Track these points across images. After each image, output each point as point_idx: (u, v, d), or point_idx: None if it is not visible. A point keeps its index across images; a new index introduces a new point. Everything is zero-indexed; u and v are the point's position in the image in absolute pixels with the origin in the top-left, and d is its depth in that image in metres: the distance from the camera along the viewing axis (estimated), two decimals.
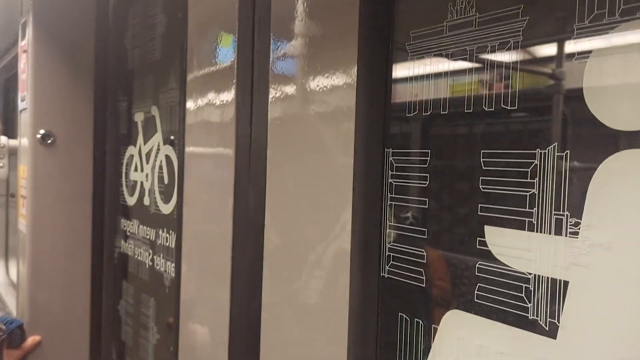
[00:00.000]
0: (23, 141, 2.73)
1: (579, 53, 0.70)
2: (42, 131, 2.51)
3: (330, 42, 1.08)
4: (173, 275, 1.91)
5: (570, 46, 0.71)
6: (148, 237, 2.21)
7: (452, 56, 0.88)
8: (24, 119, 2.69)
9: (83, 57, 2.59)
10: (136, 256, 2.34)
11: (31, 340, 2.54)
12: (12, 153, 2.99)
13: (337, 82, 1.04)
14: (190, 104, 1.63)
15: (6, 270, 4.22)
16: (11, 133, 3.08)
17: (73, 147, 2.57)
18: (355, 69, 1.00)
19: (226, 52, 1.45)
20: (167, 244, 2.02)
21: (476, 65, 0.85)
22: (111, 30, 2.57)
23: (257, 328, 1.27)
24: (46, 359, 2.57)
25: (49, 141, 2.50)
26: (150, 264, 2.19)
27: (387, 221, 0.99)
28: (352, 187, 1.00)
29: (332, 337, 1.04)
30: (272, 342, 1.24)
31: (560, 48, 0.75)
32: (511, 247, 0.77)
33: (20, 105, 2.77)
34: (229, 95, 1.42)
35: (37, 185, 2.55)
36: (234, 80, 1.40)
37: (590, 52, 0.69)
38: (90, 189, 2.63)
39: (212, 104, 1.50)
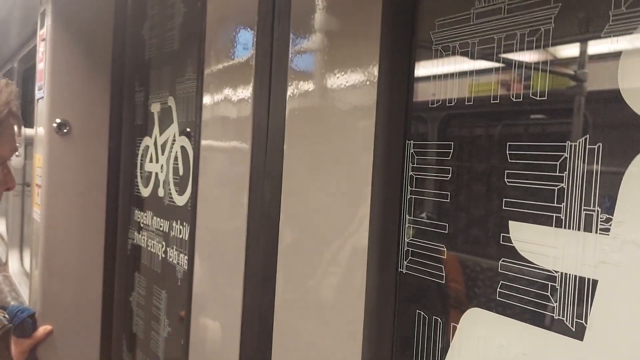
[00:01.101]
0: (39, 130, 2.73)
1: (614, 43, 0.67)
2: (58, 120, 2.51)
3: (351, 37, 1.06)
4: (186, 268, 1.89)
5: (605, 34, 0.68)
6: (161, 228, 2.20)
7: (478, 45, 0.85)
8: (41, 108, 2.69)
9: (101, 47, 2.59)
10: (149, 248, 2.33)
11: (42, 329, 2.54)
12: (29, 142, 3.00)
13: (358, 78, 1.02)
14: (207, 96, 1.61)
15: (21, 260, 4.25)
16: (28, 122, 3.09)
17: (88, 137, 2.57)
18: (376, 65, 0.97)
19: (245, 43, 1.43)
20: (181, 236, 2.01)
21: (504, 54, 0.82)
22: (129, 20, 2.57)
23: (269, 323, 1.25)
24: (57, 348, 2.57)
25: (65, 130, 2.50)
26: (163, 256, 2.18)
27: (407, 215, 0.97)
28: (370, 180, 0.98)
29: (347, 334, 1.01)
30: (284, 338, 1.22)
31: (594, 35, 0.71)
32: (537, 244, 0.74)
33: (37, 94, 2.77)
34: (246, 88, 1.40)
35: (51, 175, 2.56)
36: (252, 73, 1.38)
37: (625, 40, 0.66)
38: (105, 179, 2.63)
39: (229, 96, 1.49)
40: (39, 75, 2.76)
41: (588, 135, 0.70)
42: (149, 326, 2.34)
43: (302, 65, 1.20)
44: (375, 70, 0.98)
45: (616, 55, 0.67)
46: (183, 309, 1.81)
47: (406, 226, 0.97)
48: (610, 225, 0.66)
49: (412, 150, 0.97)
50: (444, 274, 0.90)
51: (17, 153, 1.54)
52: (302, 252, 1.17)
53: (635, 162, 0.64)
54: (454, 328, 0.87)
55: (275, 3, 1.32)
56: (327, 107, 1.10)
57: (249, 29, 1.41)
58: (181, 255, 2.00)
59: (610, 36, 0.67)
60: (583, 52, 0.74)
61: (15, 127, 1.45)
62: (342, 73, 1.06)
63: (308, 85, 1.17)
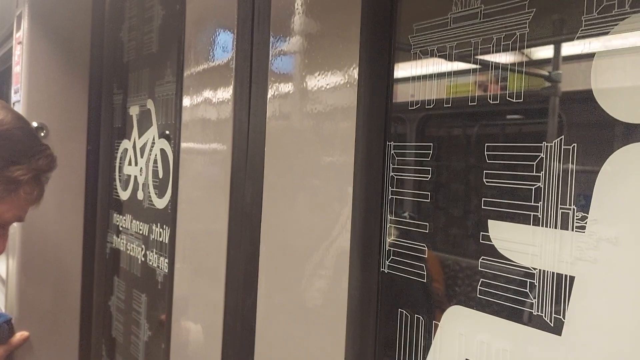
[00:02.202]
0: None
1: (587, 45, 0.69)
2: (35, 124, 2.47)
3: (331, 38, 1.07)
4: (166, 271, 1.88)
5: (578, 38, 0.70)
6: (141, 232, 2.18)
7: (456, 49, 0.87)
8: None
9: (78, 50, 2.57)
10: (128, 252, 2.32)
11: (19, 335, 2.50)
12: None
13: (338, 79, 1.03)
14: (186, 98, 1.61)
15: None
16: None
17: (66, 140, 2.54)
18: (356, 67, 0.99)
19: (224, 46, 1.44)
20: (161, 239, 2.00)
21: (481, 57, 0.84)
22: (107, 23, 2.55)
23: (252, 326, 1.25)
24: (34, 355, 2.54)
25: (42, 134, 2.47)
26: (143, 259, 2.16)
27: (388, 215, 0.98)
28: (352, 181, 0.99)
29: (330, 334, 1.02)
30: (267, 340, 1.22)
31: (567, 40, 0.74)
32: (515, 242, 0.76)
33: (14, 97, 2.73)
34: (226, 90, 1.40)
35: None
36: (232, 75, 1.38)
37: (598, 44, 0.68)
38: (83, 182, 2.60)
39: (209, 99, 1.49)
40: (15, 78, 2.73)
41: (563, 136, 0.72)
42: (128, 331, 2.32)
43: (283, 67, 1.21)
44: (355, 73, 0.99)
45: (589, 57, 0.69)
46: (164, 313, 1.80)
47: (388, 226, 0.98)
48: (585, 223, 0.68)
49: (392, 152, 0.98)
50: (425, 273, 0.92)
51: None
52: (284, 253, 1.18)
53: (609, 161, 0.66)
54: (436, 326, 0.89)
55: (255, 5, 1.33)
56: (307, 109, 1.11)
57: (228, 32, 1.41)
58: (161, 258, 1.99)
59: (583, 40, 0.69)
60: (557, 55, 0.76)
61: (35, 194, 1.34)
62: (323, 75, 1.07)
63: (288, 88, 1.18)
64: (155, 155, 2.05)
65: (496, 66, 0.82)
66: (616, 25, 0.66)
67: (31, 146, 1.33)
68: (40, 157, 1.32)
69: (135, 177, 2.24)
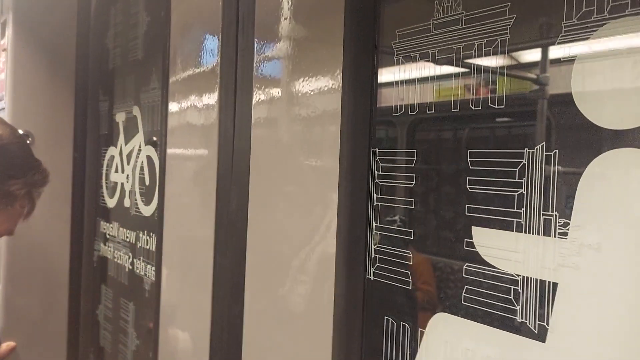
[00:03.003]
0: None
1: (567, 51, 0.69)
2: (20, 131, 2.45)
3: (315, 44, 1.07)
4: (153, 279, 1.87)
5: (559, 44, 0.70)
6: (128, 239, 2.17)
7: (438, 54, 0.87)
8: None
9: (64, 56, 2.55)
10: (116, 259, 2.30)
11: (5, 346, 2.46)
12: None
13: (323, 84, 1.03)
14: (172, 105, 1.60)
15: None
16: None
17: (52, 148, 2.52)
18: (340, 71, 0.99)
19: (209, 52, 1.43)
20: (148, 247, 1.99)
21: (463, 63, 0.84)
22: (92, 29, 2.53)
23: (239, 333, 1.24)
24: None
25: (28, 141, 2.44)
26: (130, 267, 2.15)
27: (373, 222, 0.98)
28: (337, 187, 0.98)
29: (316, 341, 1.02)
30: (254, 348, 1.21)
31: (548, 46, 0.74)
32: (499, 249, 0.76)
33: None
34: (212, 96, 1.40)
35: None
36: (217, 81, 1.38)
37: (578, 50, 0.68)
38: (70, 190, 2.58)
39: (194, 105, 1.48)
40: (0, 86, 2.70)
41: (545, 142, 0.72)
42: (116, 339, 2.30)
43: (267, 72, 1.20)
44: (340, 78, 0.99)
45: (569, 63, 0.69)
46: (151, 321, 1.79)
47: (373, 233, 0.98)
48: (568, 229, 0.68)
49: (377, 158, 0.98)
50: (410, 280, 0.91)
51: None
52: (270, 260, 1.17)
53: (590, 167, 0.66)
54: (422, 333, 0.88)
55: (239, 11, 1.32)
56: (292, 114, 1.10)
57: (213, 37, 1.40)
58: (148, 266, 1.98)
59: (563, 46, 0.70)
60: (538, 61, 0.76)
61: (28, 208, 1.36)
62: (307, 80, 1.06)
63: (273, 93, 1.18)
64: (142, 162, 2.04)
65: (478, 72, 0.82)
66: (595, 31, 0.66)
67: (27, 161, 1.34)
68: (36, 172, 1.34)
69: (122, 184, 2.22)
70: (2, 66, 2.64)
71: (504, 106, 0.78)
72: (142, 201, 2.03)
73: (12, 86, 2.49)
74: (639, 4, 0.62)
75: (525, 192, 0.73)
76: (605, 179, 0.65)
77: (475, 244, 0.79)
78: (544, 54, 0.75)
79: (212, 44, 1.42)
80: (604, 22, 0.66)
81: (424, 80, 0.91)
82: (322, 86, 1.03)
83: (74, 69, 2.58)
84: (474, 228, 0.80)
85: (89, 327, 2.57)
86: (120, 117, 2.26)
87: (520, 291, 0.73)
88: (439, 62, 0.87)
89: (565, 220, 0.68)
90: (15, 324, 2.52)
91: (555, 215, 0.70)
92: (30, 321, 2.54)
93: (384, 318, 0.95)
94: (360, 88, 0.99)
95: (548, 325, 0.70)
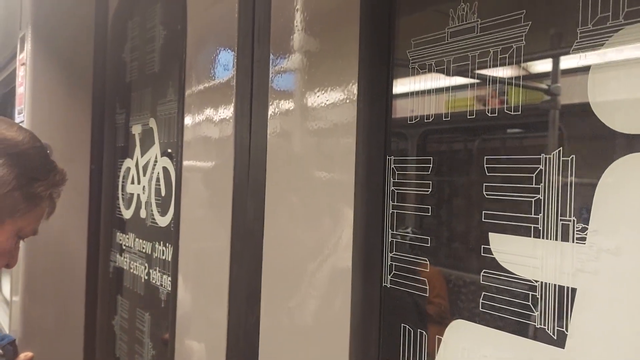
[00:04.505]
0: None
1: (583, 57, 0.70)
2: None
3: (330, 57, 1.08)
4: (169, 289, 1.88)
5: (574, 50, 0.71)
6: (144, 250, 2.18)
7: (453, 62, 0.88)
8: None
9: (81, 70, 2.59)
10: (132, 270, 2.31)
11: (23, 356, 2.48)
12: None
13: (338, 96, 1.04)
14: (188, 116, 1.62)
15: None
16: None
17: (69, 160, 2.54)
18: (355, 83, 0.99)
19: (225, 64, 1.45)
20: (164, 258, 2.00)
21: (478, 71, 0.85)
22: (109, 43, 2.57)
23: (255, 342, 1.25)
24: None
25: (52, 158, 2.48)
26: (146, 278, 2.16)
27: (389, 230, 0.98)
28: (353, 196, 0.99)
29: (334, 350, 1.02)
30: (270, 357, 1.21)
31: (564, 52, 0.74)
32: (517, 255, 0.76)
33: (17, 118, 2.75)
34: (227, 108, 1.41)
35: None
36: (233, 93, 1.39)
37: (594, 55, 0.69)
38: (87, 202, 2.60)
39: (210, 116, 1.50)
40: (19, 99, 2.75)
41: (562, 148, 0.72)
42: (132, 350, 2.31)
43: (283, 84, 1.22)
44: (355, 89, 1.00)
45: (585, 69, 0.69)
46: (167, 332, 1.79)
47: (389, 241, 0.98)
48: (586, 234, 0.68)
49: (392, 166, 0.98)
50: (427, 287, 0.91)
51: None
52: (286, 269, 1.17)
53: (608, 172, 0.66)
54: (439, 340, 0.88)
55: (255, 24, 1.34)
56: (308, 126, 1.11)
57: (229, 50, 1.42)
58: (164, 276, 1.99)
59: (579, 52, 0.70)
60: (554, 67, 0.77)
61: (51, 208, 1.43)
62: (322, 92, 1.07)
63: (289, 104, 1.19)
64: (158, 173, 2.06)
65: (494, 80, 0.82)
66: (611, 37, 0.67)
67: (46, 163, 1.41)
68: (56, 173, 1.41)
69: (138, 195, 2.24)
70: (21, 80, 2.69)
71: (520, 112, 0.78)
72: (158, 212, 2.05)
73: (30, 100, 2.53)
74: None
75: (542, 198, 0.73)
76: (623, 183, 0.65)
77: (492, 250, 0.79)
78: (559, 59, 0.75)
79: (227, 56, 1.44)
80: (619, 27, 0.66)
81: (439, 89, 0.91)
82: (338, 97, 1.04)
83: (91, 82, 2.62)
84: (491, 234, 0.80)
85: (105, 338, 2.58)
86: (136, 129, 2.29)
87: (539, 297, 0.73)
88: (454, 71, 0.88)
89: (583, 225, 0.68)
90: (33, 334, 2.54)
91: (573, 221, 0.70)
92: (47, 331, 2.56)
93: (401, 325, 0.95)
94: (375, 98, 1.00)
95: (567, 331, 0.70)
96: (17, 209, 1.30)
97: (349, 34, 1.01)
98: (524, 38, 0.77)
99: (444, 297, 0.91)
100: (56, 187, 1.41)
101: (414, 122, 0.95)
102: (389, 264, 0.98)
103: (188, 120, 1.62)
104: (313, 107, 1.09)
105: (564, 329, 0.70)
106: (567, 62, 0.73)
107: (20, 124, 1.74)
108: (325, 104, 1.07)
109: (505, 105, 0.80)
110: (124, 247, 2.41)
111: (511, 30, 0.79)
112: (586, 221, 0.68)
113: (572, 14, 0.70)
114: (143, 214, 2.20)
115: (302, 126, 1.14)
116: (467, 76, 0.87)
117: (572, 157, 0.70)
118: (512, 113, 0.79)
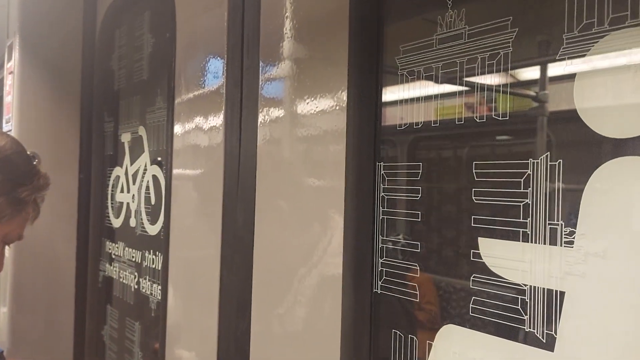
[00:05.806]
0: None
1: (569, 63, 0.71)
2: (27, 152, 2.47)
3: (319, 64, 1.08)
4: (159, 298, 1.87)
5: (560, 55, 0.72)
6: (134, 259, 2.17)
7: (442, 69, 0.88)
8: None
9: (69, 79, 2.58)
10: (121, 279, 2.30)
11: None
12: None
13: (327, 103, 1.04)
14: (178, 124, 1.62)
15: None
16: None
17: (58, 169, 2.53)
18: (345, 90, 1.00)
19: (215, 72, 1.45)
20: (154, 266, 1.99)
21: (467, 77, 0.85)
22: (98, 52, 2.56)
23: (246, 349, 1.24)
24: None
25: (34, 163, 2.46)
26: (136, 287, 2.15)
27: (380, 235, 0.98)
28: (343, 202, 0.99)
29: (324, 356, 1.02)
30: None
31: (550, 58, 0.75)
32: (506, 259, 0.77)
33: (5, 127, 2.73)
34: (217, 116, 1.41)
35: None
36: (223, 100, 1.39)
37: (579, 61, 0.70)
38: (76, 211, 2.59)
39: (200, 124, 1.50)
40: (7, 108, 2.73)
41: (549, 153, 0.73)
42: (122, 359, 2.29)
43: (273, 92, 1.22)
44: (344, 96, 1.00)
45: (572, 75, 0.70)
46: (157, 341, 1.78)
47: (379, 247, 0.98)
48: (574, 238, 0.69)
49: (382, 172, 0.99)
50: (417, 293, 0.92)
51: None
52: (277, 275, 1.17)
53: (595, 176, 0.67)
54: (430, 345, 0.89)
55: (244, 32, 1.34)
56: (298, 133, 1.11)
57: (218, 58, 1.42)
58: (154, 285, 1.98)
59: (565, 58, 0.71)
60: (541, 73, 0.78)
61: (35, 212, 1.43)
62: (312, 99, 1.08)
63: (279, 112, 1.19)
64: (148, 181, 2.05)
65: (482, 86, 0.83)
66: (597, 42, 0.68)
67: (29, 168, 1.41)
68: (39, 177, 1.41)
69: (128, 204, 2.23)
70: (9, 89, 2.67)
71: (507, 119, 0.79)
72: (148, 220, 2.04)
73: (18, 108, 2.52)
74: (638, 16, 0.64)
75: (530, 202, 0.74)
76: (610, 186, 0.66)
77: (482, 254, 0.80)
78: (546, 65, 0.76)
79: (217, 63, 1.44)
80: (605, 33, 0.67)
81: (428, 95, 0.92)
82: (328, 104, 1.04)
83: (79, 90, 2.61)
84: (480, 239, 0.81)
85: (95, 348, 2.56)
86: (125, 138, 2.28)
87: (528, 301, 0.74)
88: (443, 77, 0.89)
89: (571, 229, 0.69)
90: (21, 345, 2.51)
91: (561, 225, 0.70)
92: (36, 342, 2.53)
93: (392, 331, 0.95)
94: (365, 105, 1.01)
95: (556, 334, 0.70)
96: (3, 214, 1.30)
97: (339, 41, 1.02)
98: (511, 44, 0.78)
99: (434, 302, 0.91)
100: (40, 192, 1.41)
101: (403, 128, 0.96)
102: (379, 269, 0.98)
103: (178, 128, 1.62)
104: (303, 114, 1.10)
105: (552, 332, 0.71)
106: (554, 68, 0.74)
107: (2, 131, 1.74)
108: (315, 111, 1.07)
109: (493, 112, 0.81)
110: (113, 256, 2.40)
111: (498, 37, 0.80)
112: (574, 225, 0.69)
113: (559, 21, 0.72)
114: (133, 222, 2.19)
115: (292, 133, 1.14)
116: (455, 83, 0.87)
117: (560, 162, 0.71)
118: (500, 119, 0.80)
